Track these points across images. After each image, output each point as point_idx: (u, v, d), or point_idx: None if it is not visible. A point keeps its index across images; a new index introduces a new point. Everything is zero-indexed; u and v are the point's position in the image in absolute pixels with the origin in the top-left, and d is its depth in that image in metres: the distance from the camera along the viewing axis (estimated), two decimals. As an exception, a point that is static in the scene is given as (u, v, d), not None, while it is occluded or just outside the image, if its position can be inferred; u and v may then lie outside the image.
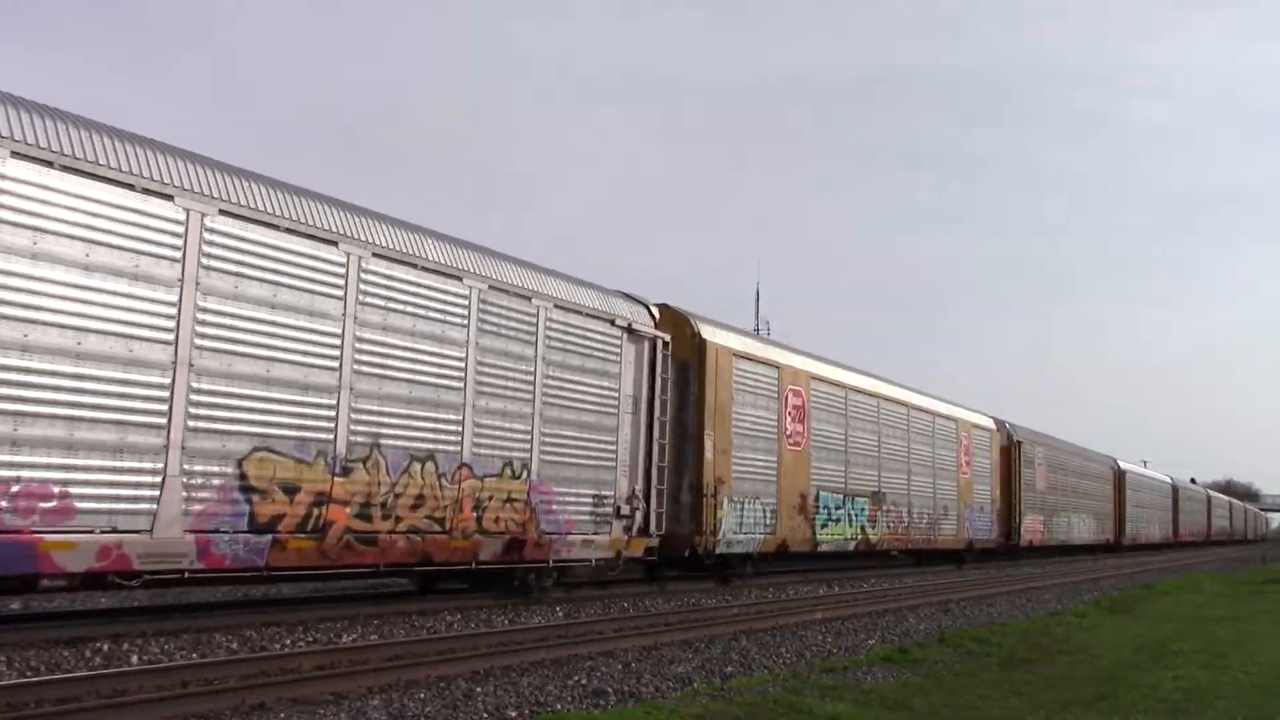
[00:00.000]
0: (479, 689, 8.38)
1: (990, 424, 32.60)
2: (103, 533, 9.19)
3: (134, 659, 9.00)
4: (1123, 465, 51.71)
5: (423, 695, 8.03)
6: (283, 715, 7.19)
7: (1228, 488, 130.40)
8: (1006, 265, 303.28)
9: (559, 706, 7.98)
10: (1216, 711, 8.84)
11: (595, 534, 14.93)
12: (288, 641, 10.31)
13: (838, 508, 22.21)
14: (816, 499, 21.30)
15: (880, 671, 10.33)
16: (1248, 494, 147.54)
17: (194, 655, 9.30)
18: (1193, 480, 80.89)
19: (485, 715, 7.59)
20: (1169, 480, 66.12)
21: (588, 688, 8.72)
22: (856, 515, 23.09)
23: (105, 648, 9.29)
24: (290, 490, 10.84)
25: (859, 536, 23.16)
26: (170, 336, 9.81)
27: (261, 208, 10.77)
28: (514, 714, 7.66)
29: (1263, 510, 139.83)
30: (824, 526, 21.60)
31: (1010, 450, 34.19)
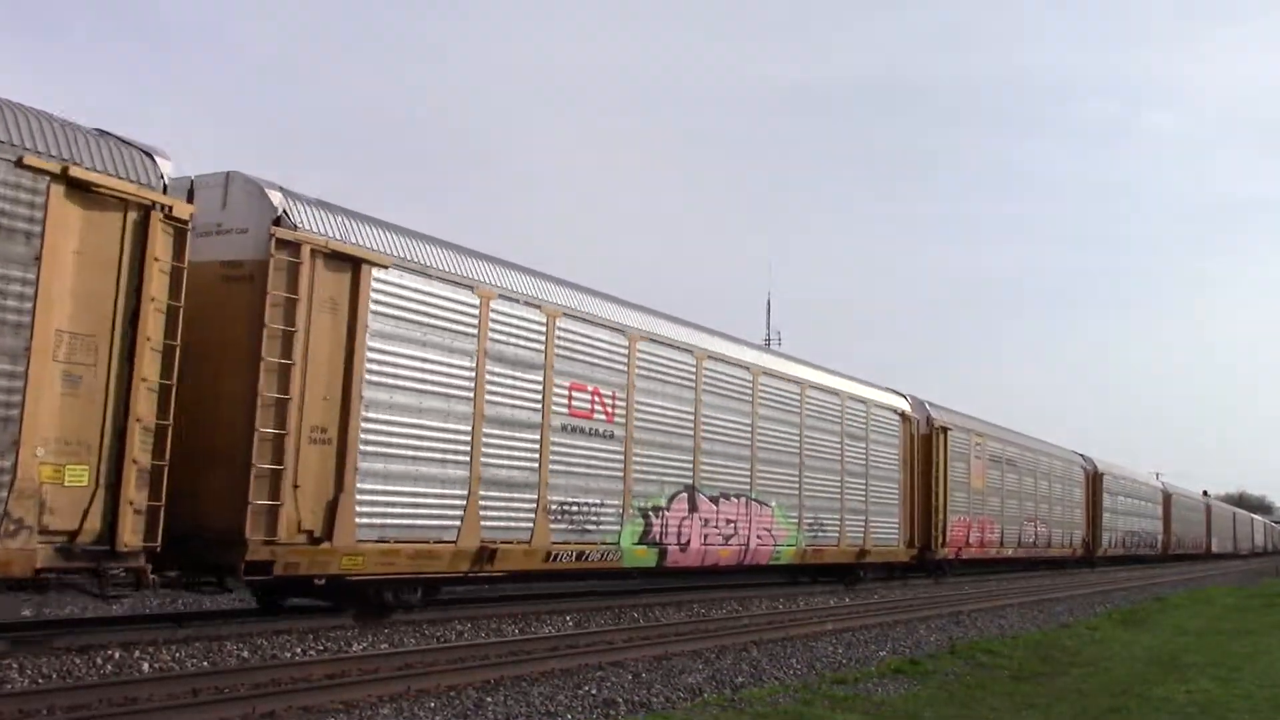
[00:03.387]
0: (489, 698, 8.38)
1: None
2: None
3: (145, 667, 9.02)
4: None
5: (433, 704, 8.03)
6: (293, 724, 7.20)
7: (1240, 500, 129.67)
8: (1016, 274, 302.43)
9: (569, 717, 7.98)
10: (1230, 725, 8.79)
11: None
12: (298, 650, 10.32)
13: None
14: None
15: (891, 683, 10.30)
16: (1260, 506, 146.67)
17: (205, 663, 9.32)
18: (1205, 493, 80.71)
19: (495, 725, 7.59)
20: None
21: (598, 698, 8.71)
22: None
23: (116, 655, 9.30)
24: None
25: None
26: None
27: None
28: (524, 724, 7.66)
29: (1275, 523, 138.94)
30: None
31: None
